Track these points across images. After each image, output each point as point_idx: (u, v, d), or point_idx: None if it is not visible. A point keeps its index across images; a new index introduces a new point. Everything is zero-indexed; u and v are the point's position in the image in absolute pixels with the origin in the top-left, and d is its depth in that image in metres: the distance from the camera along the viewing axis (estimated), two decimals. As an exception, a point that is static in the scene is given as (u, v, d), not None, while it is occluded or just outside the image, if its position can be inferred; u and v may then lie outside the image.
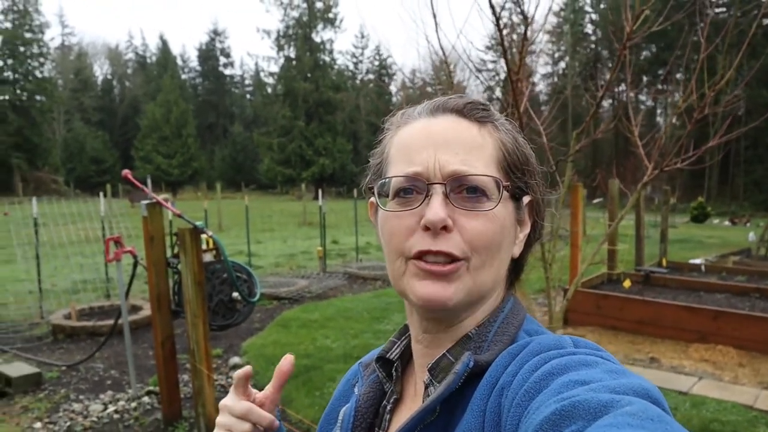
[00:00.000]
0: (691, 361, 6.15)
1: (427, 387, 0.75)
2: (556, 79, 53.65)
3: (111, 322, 7.32)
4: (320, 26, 54.49)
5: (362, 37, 62.93)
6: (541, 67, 50.56)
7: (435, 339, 0.78)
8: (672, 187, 18.79)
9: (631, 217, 10.65)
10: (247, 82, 75.74)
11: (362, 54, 63.75)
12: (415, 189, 0.73)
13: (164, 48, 68.07)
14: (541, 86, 51.85)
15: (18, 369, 5.63)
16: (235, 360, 6.25)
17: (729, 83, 4.97)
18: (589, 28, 51.79)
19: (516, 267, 0.82)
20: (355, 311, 8.14)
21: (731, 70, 4.44)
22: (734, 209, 36.43)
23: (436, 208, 0.70)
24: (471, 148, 0.74)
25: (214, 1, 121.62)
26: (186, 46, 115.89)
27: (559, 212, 4.91)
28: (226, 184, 46.69)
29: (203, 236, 4.34)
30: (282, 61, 54.87)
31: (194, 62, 71.94)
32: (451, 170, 0.72)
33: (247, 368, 0.84)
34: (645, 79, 43.74)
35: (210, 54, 70.25)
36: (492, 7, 3.47)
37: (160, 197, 5.03)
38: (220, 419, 0.84)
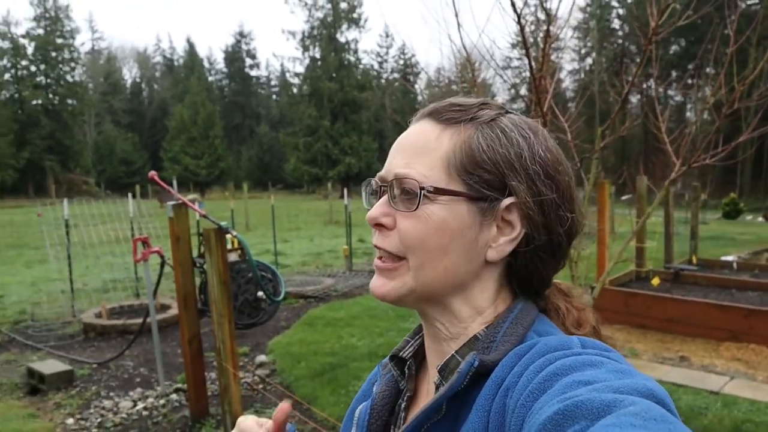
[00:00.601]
0: (723, 360, 6.04)
1: (437, 387, 0.75)
2: (582, 75, 53.09)
3: (140, 320, 7.44)
4: (345, 26, 54.63)
5: (387, 36, 62.95)
6: (567, 64, 50.11)
7: (435, 339, 0.81)
8: (703, 183, 18.46)
9: (661, 214, 10.49)
10: (272, 82, 76.31)
11: (387, 53, 63.77)
12: (378, 190, 0.79)
13: (191, 51, 68.91)
14: (568, 83, 51.38)
15: (51, 366, 5.75)
16: (262, 358, 6.31)
17: (761, 76, 4.86)
18: (615, 23, 51.11)
19: (528, 274, 0.79)
20: (381, 309, 8.15)
21: (763, 62, 4.35)
22: (768, 205, 35.68)
23: (373, 208, 0.77)
24: (420, 152, 0.76)
25: (239, 3, 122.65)
26: (212, 49, 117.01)
27: (585, 210, 4.85)
28: (252, 183, 47.11)
29: (228, 236, 4.38)
30: (307, 61, 55.14)
31: (221, 64, 72.74)
32: (395, 172, 0.76)
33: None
34: (674, 73, 43.05)
35: (236, 56, 70.91)
36: (513, 4, 3.44)
37: (189, 197, 5.09)
38: None
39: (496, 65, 5.00)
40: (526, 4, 3.68)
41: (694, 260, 10.38)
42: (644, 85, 35.29)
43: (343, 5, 54.04)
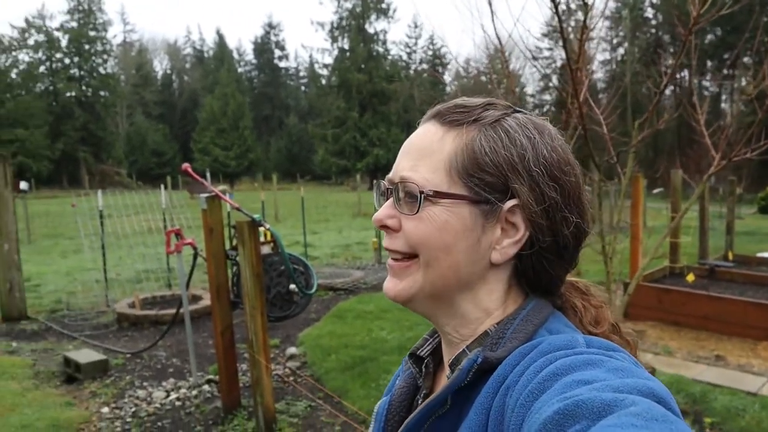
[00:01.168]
0: (760, 360, 5.90)
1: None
2: (614, 66, 52.22)
3: (173, 311, 7.53)
4: (373, 17, 54.47)
5: (416, 27, 62.62)
6: (598, 54, 49.30)
7: (444, 336, 0.83)
8: (738, 177, 18.04)
9: (695, 209, 10.28)
10: (301, 74, 76.55)
11: (416, 44, 63.44)
12: (387, 192, 0.80)
13: (221, 42, 69.42)
14: (599, 74, 50.58)
15: (86, 356, 5.85)
16: (292, 350, 6.35)
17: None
18: (649, 12, 50.11)
19: (537, 275, 0.79)
20: (410, 303, 8.12)
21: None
22: (806, 199, 34.71)
23: (379, 211, 0.79)
24: (423, 154, 0.77)
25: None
26: (242, 40, 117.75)
27: (620, 203, 4.77)
28: (281, 175, 47.34)
29: (261, 229, 4.40)
30: (336, 52, 55.13)
31: (250, 55, 73.16)
32: (400, 176, 0.77)
33: None
34: (709, 64, 42.09)
35: (265, 47, 71.24)
36: (551, -6, 3.37)
37: (218, 188, 5.12)
38: None
39: (530, 55, 4.93)
40: (563, -5, 3.62)
41: (730, 256, 10.15)
42: (678, 76, 34.59)
43: (372, -4, 53.91)
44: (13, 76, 55.06)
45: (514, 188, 0.74)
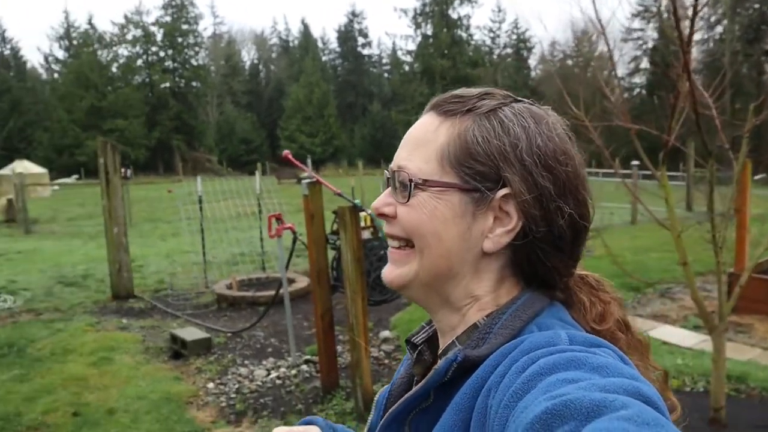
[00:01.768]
0: None
1: None
2: (711, 45, 49.38)
3: (268, 293, 7.79)
4: (457, 2, 53.89)
5: (499, 11, 61.63)
6: (696, 34, 46.73)
7: (437, 323, 0.84)
8: None
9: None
10: (384, 61, 76.73)
11: (499, 28, 62.28)
12: (389, 180, 0.83)
13: (306, 32, 70.60)
14: (694, 53, 47.94)
15: (191, 333, 6.14)
16: (386, 333, 6.42)
17: None
18: (753, -14, 46.95)
19: (532, 265, 0.78)
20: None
21: None
22: None
23: (377, 199, 0.82)
24: (419, 144, 0.79)
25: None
26: (326, 29, 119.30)
27: (733, 190, 4.53)
28: (366, 161, 47.77)
29: (362, 214, 4.45)
30: (419, 38, 55.01)
31: (334, 44, 73.97)
32: (397, 165, 0.80)
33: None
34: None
35: (349, 35, 71.84)
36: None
37: (303, 175, 5.24)
38: None
39: (618, 35, 4.73)
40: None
41: None
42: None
43: (456, -20, 53.28)
44: (114, 69, 58.15)
45: (505, 177, 0.75)
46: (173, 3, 59.93)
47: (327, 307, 4.69)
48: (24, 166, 28.64)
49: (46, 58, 62.66)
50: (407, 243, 0.80)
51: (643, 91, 50.12)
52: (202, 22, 64.74)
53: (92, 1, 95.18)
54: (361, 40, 72.53)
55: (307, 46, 67.58)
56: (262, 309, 7.31)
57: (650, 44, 53.73)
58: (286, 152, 4.86)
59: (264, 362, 5.74)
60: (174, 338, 6.13)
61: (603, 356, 0.62)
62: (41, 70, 64.93)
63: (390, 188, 0.81)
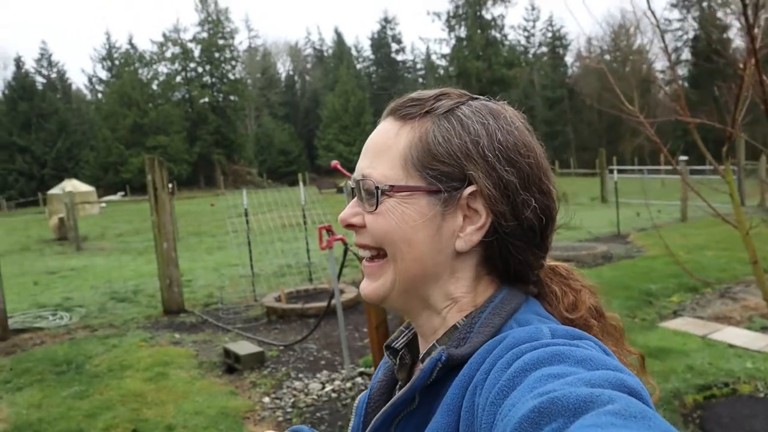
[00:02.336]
0: None
1: None
2: None
3: (317, 304, 7.76)
4: (490, 2, 53.54)
5: (533, 9, 60.86)
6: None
7: (419, 328, 0.84)
8: None
9: None
10: (418, 66, 76.75)
11: (533, 27, 61.69)
12: (352, 191, 0.82)
13: (339, 40, 71.11)
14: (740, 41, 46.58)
15: (244, 347, 6.14)
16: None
17: None
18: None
19: (505, 261, 0.79)
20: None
21: None
22: None
23: (344, 210, 0.81)
24: (380, 151, 0.79)
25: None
26: (359, 37, 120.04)
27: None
28: (403, 168, 47.86)
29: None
30: (453, 41, 54.79)
31: (367, 51, 74.33)
32: (361, 174, 0.79)
33: None
34: None
35: (382, 42, 72.11)
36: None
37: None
38: None
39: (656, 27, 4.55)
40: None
41: None
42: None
43: (488, -19, 52.92)
44: (154, 87, 59.55)
45: (470, 175, 0.76)
46: (209, 19, 61.03)
47: (381, 319, 4.62)
48: (73, 185, 29.42)
49: (90, 80, 64.59)
50: (378, 252, 0.80)
51: (686, 84, 48.91)
52: (238, 36, 65.89)
53: (132, 21, 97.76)
54: (394, 46, 72.73)
55: (341, 55, 68.05)
56: (312, 321, 7.28)
57: (691, 34, 52.48)
58: (334, 163, 4.81)
59: (318, 375, 5.69)
60: (227, 352, 6.14)
61: (586, 349, 0.62)
62: (86, 91, 66.99)
63: (355, 198, 0.81)
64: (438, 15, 55.52)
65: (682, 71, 51.59)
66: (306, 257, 10.31)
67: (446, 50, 56.86)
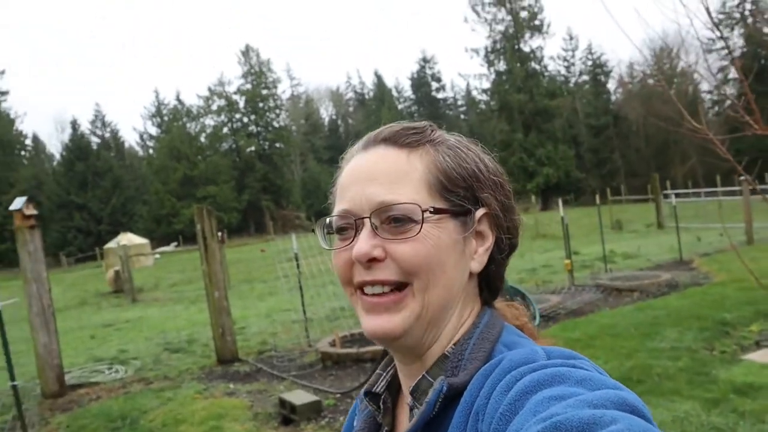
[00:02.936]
0: None
1: (411, 410, 0.76)
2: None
3: (373, 348, 7.49)
4: (527, 35, 53.46)
5: (571, 39, 60.56)
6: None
7: (412, 368, 0.80)
8: None
9: None
10: (459, 102, 77.05)
11: (573, 56, 61.29)
12: (348, 226, 0.77)
13: (379, 83, 72.07)
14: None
15: (300, 397, 5.92)
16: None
17: None
18: None
19: (489, 281, 0.83)
20: (620, 327, 7.42)
21: None
22: None
23: (360, 243, 0.74)
24: (397, 177, 0.76)
25: (421, 30, 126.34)
26: (399, 78, 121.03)
27: None
28: (449, 204, 47.69)
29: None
30: (493, 76, 54.71)
31: (408, 91, 74.97)
32: (378, 201, 0.75)
33: None
34: None
35: (422, 81, 72.71)
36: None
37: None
38: None
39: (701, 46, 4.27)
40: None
41: None
42: None
43: (524, 14, 52.95)
44: (202, 139, 61.28)
45: (482, 197, 0.79)
46: (252, 71, 62.76)
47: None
48: (128, 239, 30.15)
49: (141, 136, 66.89)
50: (397, 286, 0.75)
51: (735, 101, 47.49)
52: (280, 85, 67.24)
53: (179, 78, 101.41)
54: (434, 84, 73.22)
55: (383, 97, 68.86)
56: (369, 365, 7.02)
57: (737, 53, 51.22)
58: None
59: (377, 423, 5.41)
60: (283, 403, 5.92)
61: (584, 369, 0.62)
62: (137, 148, 69.33)
63: (368, 230, 0.75)
64: (476, 51, 55.66)
65: (730, 90, 50.30)
66: (358, 299, 10.09)
67: (486, 85, 56.82)
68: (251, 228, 58.91)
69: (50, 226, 51.42)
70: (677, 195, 21.75)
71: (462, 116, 75.59)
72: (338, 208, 0.80)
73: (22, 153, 59.84)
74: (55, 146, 69.22)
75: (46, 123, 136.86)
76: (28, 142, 60.99)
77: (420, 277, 0.74)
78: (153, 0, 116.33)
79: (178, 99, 62.87)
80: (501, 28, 53.61)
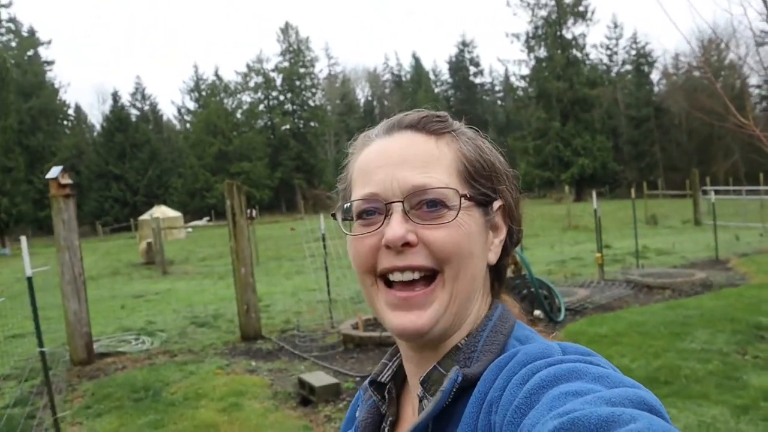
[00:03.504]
0: None
1: (421, 400, 0.75)
2: None
3: (395, 333, 7.46)
4: (570, 22, 52.38)
5: (615, 27, 59.14)
6: None
7: (423, 358, 0.78)
8: None
9: None
10: (497, 88, 76.13)
11: (617, 45, 59.86)
12: (375, 210, 0.75)
13: (417, 65, 71.54)
14: None
15: (319, 378, 5.92)
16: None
17: None
18: None
19: (497, 273, 0.82)
20: (650, 325, 7.25)
21: None
22: None
23: (394, 226, 0.72)
24: (429, 161, 0.75)
25: (461, 13, 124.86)
26: (437, 61, 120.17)
27: None
28: (482, 191, 47.35)
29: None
30: (533, 62, 53.82)
31: (445, 75, 74.30)
32: (412, 185, 0.73)
33: None
34: None
35: (460, 65, 71.95)
36: None
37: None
38: None
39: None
40: None
41: None
42: None
43: (568, 0, 51.85)
44: (238, 116, 61.80)
45: (500, 189, 0.80)
46: (291, 49, 62.87)
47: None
48: (161, 211, 30.61)
49: (179, 110, 67.65)
50: (426, 274, 0.73)
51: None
52: (318, 64, 67.34)
53: (218, 54, 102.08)
54: (472, 69, 72.38)
55: (419, 79, 68.39)
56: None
57: (789, 48, 49.41)
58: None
59: (395, 409, 5.38)
60: (302, 383, 5.93)
61: (602, 366, 0.61)
62: (175, 122, 70.15)
63: (399, 214, 0.73)
64: (517, 36, 54.77)
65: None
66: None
67: (525, 71, 55.90)
68: (282, 206, 59.35)
69: (88, 195, 52.55)
70: (717, 191, 21.19)
71: (499, 102, 74.72)
72: (362, 192, 0.77)
73: (65, 122, 61.03)
74: (96, 117, 70.33)
75: (88, 94, 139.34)
76: (70, 112, 62.18)
77: (452, 264, 0.73)
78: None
79: (216, 74, 63.40)
80: (544, 13, 52.62)
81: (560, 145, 49.18)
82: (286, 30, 62.99)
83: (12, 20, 54.57)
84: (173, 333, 9.16)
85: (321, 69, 72.58)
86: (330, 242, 9.63)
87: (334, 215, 0.83)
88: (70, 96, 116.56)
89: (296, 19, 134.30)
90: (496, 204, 0.79)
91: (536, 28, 52.99)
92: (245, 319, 8.39)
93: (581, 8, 51.85)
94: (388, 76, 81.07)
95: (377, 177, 0.76)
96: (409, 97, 66.91)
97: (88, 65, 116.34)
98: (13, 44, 55.23)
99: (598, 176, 49.30)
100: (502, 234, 0.80)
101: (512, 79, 61.62)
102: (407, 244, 0.72)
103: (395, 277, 0.74)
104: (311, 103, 63.71)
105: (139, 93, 64.09)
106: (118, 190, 54.21)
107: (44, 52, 65.27)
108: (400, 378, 0.86)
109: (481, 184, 0.77)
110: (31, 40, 56.34)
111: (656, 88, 59.17)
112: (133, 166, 54.88)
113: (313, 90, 64.57)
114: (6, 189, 37.43)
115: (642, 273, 11.01)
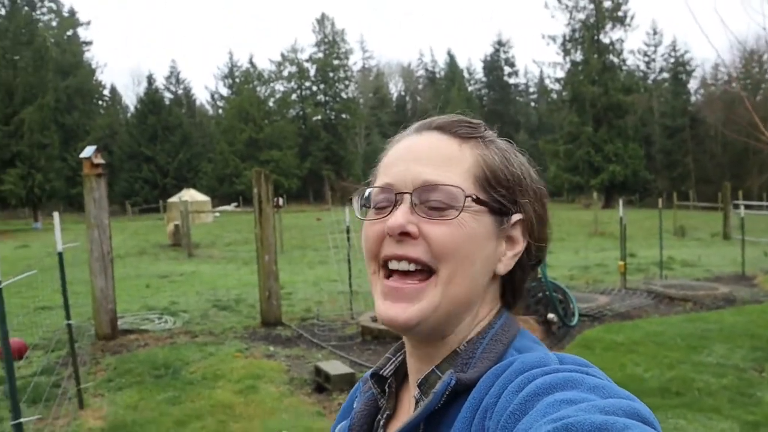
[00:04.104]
0: None
1: (417, 402, 0.76)
2: None
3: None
4: (608, 26, 51.64)
5: (654, 33, 58.24)
6: None
7: (425, 355, 0.80)
8: None
9: None
10: (531, 90, 75.49)
11: (655, 52, 58.95)
12: (387, 199, 0.77)
13: (451, 62, 71.24)
14: None
15: (335, 367, 6.04)
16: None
17: None
18: None
19: (513, 288, 0.82)
20: (667, 336, 7.23)
21: None
22: None
23: (397, 215, 0.74)
24: (446, 161, 0.77)
25: (498, 13, 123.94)
26: (472, 59, 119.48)
27: None
28: (510, 192, 47.07)
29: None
30: (568, 65, 53.24)
31: (480, 74, 73.88)
32: (423, 180, 0.75)
33: None
34: None
35: (495, 65, 71.49)
36: None
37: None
38: None
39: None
40: None
41: None
42: None
43: (607, 4, 51.10)
44: (271, 104, 62.22)
45: (521, 203, 0.79)
46: (326, 40, 63.09)
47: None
48: (190, 195, 31.05)
49: (212, 96, 68.43)
50: (422, 269, 0.75)
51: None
52: (352, 57, 67.49)
53: (253, 41, 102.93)
54: (507, 69, 71.88)
55: (453, 77, 68.11)
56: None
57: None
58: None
59: (407, 402, 5.47)
60: (318, 371, 6.06)
61: (598, 377, 0.62)
62: (208, 107, 70.92)
63: (406, 205, 0.75)
64: (553, 38, 54.19)
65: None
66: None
67: (560, 74, 55.32)
68: (310, 195, 59.72)
69: (119, 176, 53.42)
70: (748, 206, 20.84)
71: (532, 104, 74.13)
72: (380, 181, 0.81)
73: (100, 102, 62.10)
74: (130, 98, 71.24)
75: (123, 75, 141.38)
76: (106, 92, 63.23)
77: (448, 263, 0.74)
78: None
79: (250, 62, 63.85)
80: (582, 16, 51.98)
81: (591, 151, 48.63)
82: (321, 21, 63.24)
83: (53, 0, 55.65)
84: (195, 314, 9.36)
85: (355, 62, 72.81)
86: (354, 234, 9.73)
87: (350, 200, 0.86)
88: (106, 77, 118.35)
89: (332, 10, 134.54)
90: (515, 217, 0.78)
91: (573, 31, 52.39)
92: (266, 305, 8.55)
93: (620, 13, 51.09)
94: (422, 72, 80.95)
95: (396, 169, 0.79)
96: (442, 94, 66.69)
97: (125, 47, 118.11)
98: (54, 24, 56.35)
99: (629, 184, 48.65)
100: (518, 248, 0.79)
101: (546, 81, 61.15)
102: (407, 235, 0.74)
103: (393, 265, 0.76)
104: (344, 95, 63.87)
105: (174, 77, 64.87)
106: (149, 171, 55.00)
107: (83, 33, 66.46)
108: (401, 374, 0.87)
109: (498, 193, 0.77)
110: (71, 20, 57.44)
111: (693, 98, 58.19)
112: (164, 149, 55.61)
113: (347, 82, 64.71)
114: (40, 165, 38.17)
115: (664, 284, 10.92)
